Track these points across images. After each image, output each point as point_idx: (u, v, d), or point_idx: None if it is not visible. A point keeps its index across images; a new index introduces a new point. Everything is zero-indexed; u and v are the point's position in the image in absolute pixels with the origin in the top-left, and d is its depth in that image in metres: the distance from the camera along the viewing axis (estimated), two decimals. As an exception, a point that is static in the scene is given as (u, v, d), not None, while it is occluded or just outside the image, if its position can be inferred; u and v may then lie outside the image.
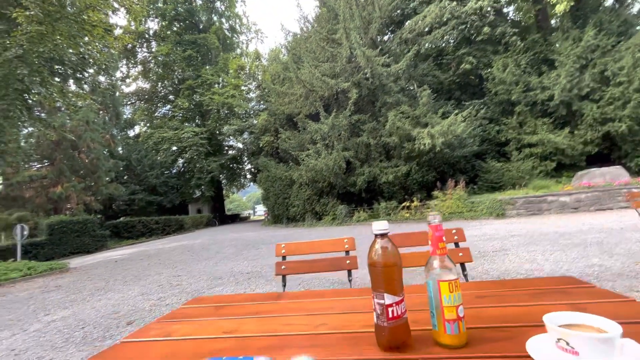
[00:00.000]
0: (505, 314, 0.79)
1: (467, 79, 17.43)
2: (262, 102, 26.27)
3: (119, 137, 25.35)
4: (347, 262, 1.69)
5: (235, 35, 36.10)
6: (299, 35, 19.81)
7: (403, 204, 13.22)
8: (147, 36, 31.02)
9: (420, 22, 14.88)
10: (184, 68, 29.44)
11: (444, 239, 0.69)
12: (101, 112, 22.22)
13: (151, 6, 28.18)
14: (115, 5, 10.14)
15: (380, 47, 15.09)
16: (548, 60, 14.97)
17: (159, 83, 32.15)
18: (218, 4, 33.88)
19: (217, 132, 28.24)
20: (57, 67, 10.32)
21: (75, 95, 11.28)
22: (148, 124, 31.90)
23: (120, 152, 25.15)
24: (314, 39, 16.69)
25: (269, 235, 13.12)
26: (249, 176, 33.01)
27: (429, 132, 12.23)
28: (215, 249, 9.84)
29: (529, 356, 0.55)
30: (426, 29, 15.36)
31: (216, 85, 28.64)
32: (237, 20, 35.85)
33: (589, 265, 3.82)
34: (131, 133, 31.04)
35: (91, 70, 15.09)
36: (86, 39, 9.32)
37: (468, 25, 15.59)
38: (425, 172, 14.13)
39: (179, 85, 30.28)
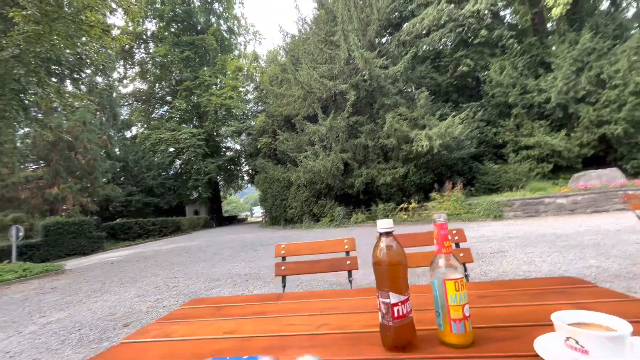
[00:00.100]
0: (510, 314, 0.79)
1: (465, 82, 17.52)
2: (260, 104, 26.26)
3: (115, 138, 25.21)
4: (348, 262, 1.68)
5: (233, 37, 36.12)
6: (297, 37, 19.84)
7: (401, 206, 13.23)
8: (144, 37, 30.96)
9: (418, 24, 14.95)
10: (181, 69, 29.39)
11: (449, 237, 0.68)
12: (98, 112, 22.11)
13: (149, 7, 28.15)
14: (113, 5, 10.10)
15: (378, 49, 15.13)
16: (545, 63, 15.08)
17: (157, 84, 32.06)
18: (216, 5, 33.90)
19: (215, 133, 28.18)
20: (54, 67, 10.27)
21: (72, 96, 11.21)
22: (145, 125, 31.78)
23: (117, 153, 25.02)
24: (312, 41, 16.72)
25: (267, 236, 13.08)
26: (246, 178, 32.95)
27: (427, 134, 12.27)
28: (213, 250, 9.79)
29: (537, 355, 0.55)
30: (424, 32, 15.43)
31: (214, 87, 28.60)
32: (235, 22, 35.88)
33: (586, 267, 3.83)
34: (128, 134, 30.92)
35: (88, 71, 15.02)
36: (83, 39, 9.27)
37: (465, 28, 15.68)
38: (422, 174, 14.16)
39: (177, 87, 30.22)
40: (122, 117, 27.68)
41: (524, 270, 3.95)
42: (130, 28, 25.22)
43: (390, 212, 13.41)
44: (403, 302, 0.65)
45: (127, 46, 26.94)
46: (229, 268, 6.31)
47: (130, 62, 30.77)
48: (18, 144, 15.38)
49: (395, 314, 0.64)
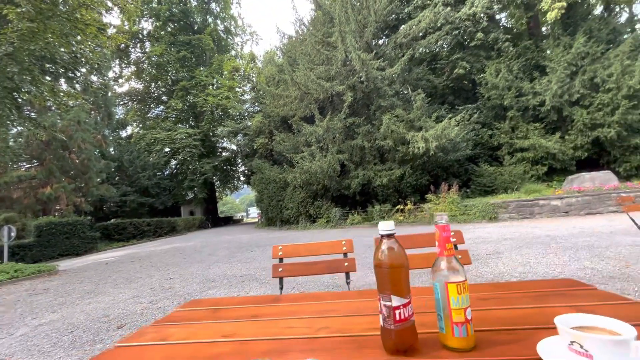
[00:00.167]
0: (511, 317, 0.78)
1: (461, 84, 17.64)
2: (256, 104, 26.18)
3: (110, 138, 25.01)
4: (345, 264, 1.68)
5: (230, 37, 36.02)
6: (294, 38, 19.82)
7: (397, 207, 13.26)
8: (140, 36, 30.76)
9: (414, 26, 15.03)
10: (177, 69, 29.24)
11: (451, 239, 0.67)
12: (93, 112, 21.89)
13: (145, 6, 28.00)
14: (109, 4, 10.02)
15: (375, 51, 15.17)
16: (539, 67, 15.24)
17: (153, 84, 31.87)
18: (213, 5, 33.80)
19: (211, 133, 28.05)
20: (48, 65, 10.13)
21: (66, 95, 11.07)
22: (141, 125, 31.56)
23: (112, 152, 24.81)
24: (310, 42, 16.73)
25: (263, 237, 13.03)
26: (242, 178, 32.83)
27: (423, 135, 12.32)
28: (208, 251, 9.73)
29: (540, 359, 0.54)
30: (420, 34, 15.51)
31: (210, 87, 28.50)
32: (232, 22, 35.79)
33: (580, 268, 3.86)
34: (123, 134, 30.69)
35: (83, 70, 14.85)
36: (79, 37, 9.18)
37: (462, 31, 15.80)
38: (419, 176, 14.22)
39: (173, 86, 30.05)
40: (117, 117, 27.47)
41: (520, 272, 3.97)
42: (126, 27, 25.05)
43: (386, 214, 13.44)
44: (405, 305, 0.64)
45: (123, 45, 26.73)
46: (224, 269, 6.27)
47: (126, 62, 30.54)
48: (11, 143, 15.19)
49: (397, 318, 0.63)
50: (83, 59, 10.78)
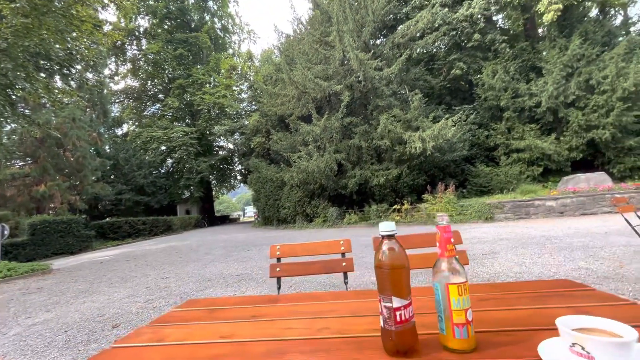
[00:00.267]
0: (510, 318, 0.78)
1: (458, 84, 17.72)
2: (253, 103, 26.11)
3: (106, 136, 24.82)
4: (343, 264, 1.67)
5: (228, 35, 35.86)
6: (292, 37, 19.79)
7: (394, 207, 13.30)
8: (137, 33, 30.52)
9: (412, 27, 15.06)
10: (174, 67, 29.05)
11: (452, 240, 0.67)
12: (88, 109, 21.72)
13: (142, 3, 27.77)
14: (105, 0, 9.93)
15: (372, 51, 15.18)
16: (536, 68, 15.34)
17: (149, 81, 31.64)
18: (210, 3, 33.62)
19: (208, 132, 27.93)
20: (43, 62, 10.01)
21: (61, 92, 10.96)
22: (137, 123, 31.32)
23: (108, 150, 24.63)
24: (307, 41, 16.70)
25: (259, 236, 13.00)
26: (239, 177, 32.73)
27: (420, 135, 12.36)
28: (204, 250, 9.69)
29: (541, 361, 0.54)
30: (418, 34, 15.56)
31: (207, 85, 28.37)
32: (230, 20, 35.64)
33: (575, 269, 3.89)
34: (119, 132, 30.46)
35: (79, 67, 14.70)
36: (74, 34, 9.07)
37: (459, 32, 15.86)
38: (415, 176, 14.26)
39: (169, 84, 29.86)
40: (112, 115, 27.26)
41: (516, 272, 3.99)
42: (123, 24, 24.87)
43: (383, 213, 13.47)
44: (405, 307, 0.64)
45: (119, 42, 26.53)
46: (221, 268, 6.24)
47: (122, 59, 30.30)
48: (4, 140, 15.02)
49: (398, 319, 0.63)
50: (78, 56, 10.66)
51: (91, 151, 19.97)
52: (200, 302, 1.22)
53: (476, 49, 16.15)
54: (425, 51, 17.83)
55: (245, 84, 28.39)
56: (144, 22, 30.99)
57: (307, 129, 15.00)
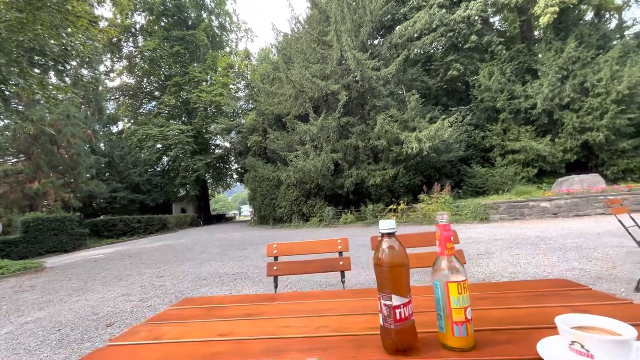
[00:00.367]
0: (508, 316, 0.79)
1: (454, 85, 17.81)
2: (250, 102, 26.02)
3: (101, 133, 24.56)
4: (341, 263, 1.67)
5: (225, 34, 35.70)
6: (289, 36, 19.75)
7: (390, 207, 13.33)
8: (133, 30, 30.27)
9: (410, 27, 15.10)
10: (171, 64, 28.87)
11: (452, 238, 0.67)
12: (83, 106, 21.47)
13: (138, 0, 27.57)
14: (101, -4, 9.85)
15: (370, 51, 15.21)
16: (531, 70, 15.46)
17: (145, 79, 31.41)
18: (208, 0, 33.44)
19: (204, 130, 27.80)
20: (37, 57, 9.89)
21: (55, 88, 10.85)
22: (132, 120, 31.08)
23: (102, 148, 24.39)
24: (305, 40, 16.68)
25: (255, 235, 12.97)
26: (235, 176, 32.63)
27: (417, 136, 12.40)
28: (200, 249, 9.65)
29: (540, 359, 0.54)
30: (415, 35, 15.60)
31: (204, 83, 28.21)
32: (227, 18, 35.48)
33: (569, 269, 3.92)
34: (114, 129, 30.15)
35: (74, 63, 14.54)
36: (69, 29, 8.99)
37: (456, 33, 15.93)
38: (412, 176, 14.32)
39: (166, 82, 29.67)
40: (108, 112, 26.98)
41: (510, 272, 4.02)
42: (119, 20, 24.67)
43: (379, 213, 13.50)
44: (405, 305, 0.63)
45: (115, 39, 26.24)
46: (216, 267, 6.22)
47: (117, 56, 30.03)
48: (-3, 137, 14.82)
49: (397, 317, 0.63)
50: (73, 52, 10.56)
51: (86, 148, 19.77)
52: (196, 301, 1.22)
53: (473, 51, 16.23)
54: (422, 52, 17.90)
55: (242, 82, 28.30)
56: (140, 19, 30.76)
57: (304, 128, 14.98)
